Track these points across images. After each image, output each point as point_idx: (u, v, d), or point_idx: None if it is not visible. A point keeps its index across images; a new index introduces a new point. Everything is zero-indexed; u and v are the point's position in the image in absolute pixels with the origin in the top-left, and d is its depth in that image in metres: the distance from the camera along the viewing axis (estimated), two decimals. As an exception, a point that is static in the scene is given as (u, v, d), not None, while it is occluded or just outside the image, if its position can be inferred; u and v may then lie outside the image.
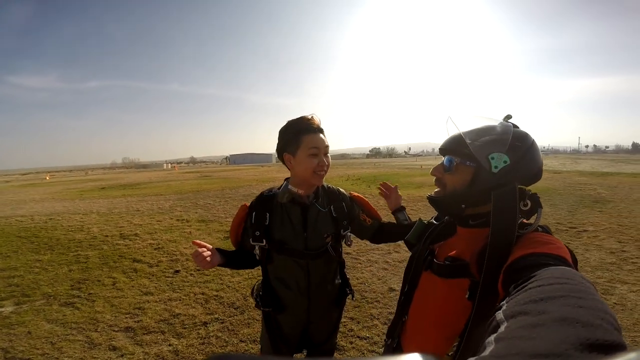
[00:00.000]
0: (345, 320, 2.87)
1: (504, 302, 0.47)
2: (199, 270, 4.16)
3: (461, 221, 0.89)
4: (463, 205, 0.85)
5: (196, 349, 2.59)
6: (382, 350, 1.34)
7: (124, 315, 3.14)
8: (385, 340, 1.09)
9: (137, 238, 5.95)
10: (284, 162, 1.32)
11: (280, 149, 1.31)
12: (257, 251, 1.35)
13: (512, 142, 0.79)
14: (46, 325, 3.00)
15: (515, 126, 0.84)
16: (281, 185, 1.40)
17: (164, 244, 5.49)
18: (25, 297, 3.62)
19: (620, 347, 0.31)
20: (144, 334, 2.82)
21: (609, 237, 5.16)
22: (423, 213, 7.01)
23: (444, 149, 0.90)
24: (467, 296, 0.77)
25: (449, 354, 0.79)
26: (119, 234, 6.30)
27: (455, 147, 0.86)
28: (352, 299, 1.58)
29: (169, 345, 2.65)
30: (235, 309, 3.21)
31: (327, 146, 1.28)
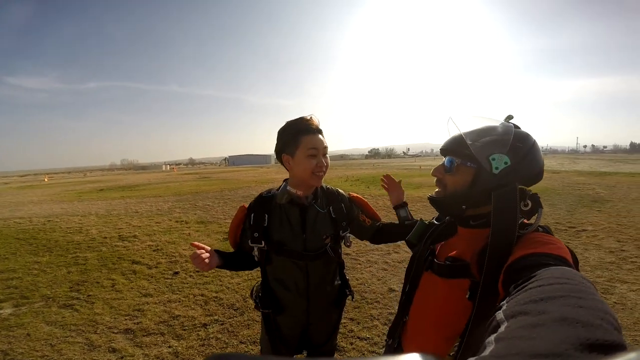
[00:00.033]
0: (345, 321, 2.87)
1: (504, 302, 0.47)
2: (198, 271, 4.15)
3: (462, 221, 0.90)
4: (464, 206, 0.85)
5: (196, 351, 2.59)
6: (382, 350, 1.34)
7: (124, 317, 3.13)
8: (386, 340, 1.09)
9: (136, 240, 5.94)
10: (282, 163, 1.31)
11: (279, 149, 1.30)
12: (255, 252, 1.35)
13: (513, 142, 0.78)
14: (45, 327, 2.99)
15: (516, 127, 0.84)
16: (280, 187, 1.39)
17: (163, 246, 5.48)
18: (24, 299, 3.61)
19: (621, 347, 0.31)
20: (143, 335, 2.81)
21: (608, 236, 5.17)
22: (422, 213, 7.01)
23: (445, 150, 0.90)
24: (467, 296, 0.77)
25: (450, 354, 0.79)
26: (118, 235, 6.28)
27: (456, 147, 0.86)
28: (352, 300, 1.58)
29: (169, 346, 2.64)
30: (234, 310, 3.20)
31: (325, 147, 1.27)
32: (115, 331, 2.90)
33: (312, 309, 1.38)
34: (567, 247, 0.69)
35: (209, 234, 6.27)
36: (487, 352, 0.35)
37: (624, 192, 9.63)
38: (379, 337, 2.69)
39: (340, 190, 1.47)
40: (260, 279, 1.43)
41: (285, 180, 1.39)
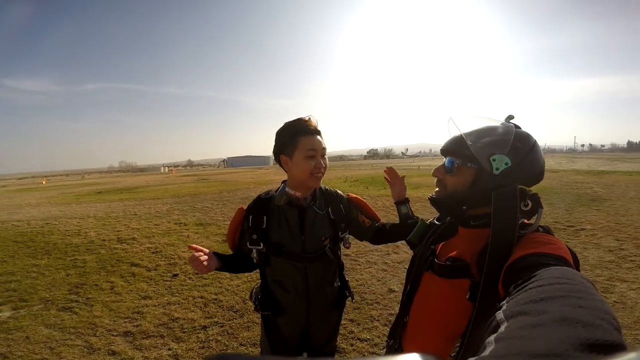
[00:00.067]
0: (345, 322, 2.87)
1: (504, 302, 0.47)
2: (197, 273, 4.14)
3: (462, 221, 0.90)
4: (464, 207, 0.85)
5: (196, 353, 2.58)
6: (383, 351, 1.33)
7: (123, 320, 3.12)
8: (387, 341, 1.09)
9: (135, 242, 5.92)
10: (280, 165, 1.31)
11: (277, 151, 1.30)
12: (254, 255, 1.34)
13: (513, 143, 0.78)
14: (44, 330, 2.99)
15: (517, 127, 0.84)
16: (278, 188, 1.39)
17: (162, 248, 5.47)
18: (23, 302, 3.60)
19: (621, 347, 0.31)
20: (143, 338, 2.80)
21: (606, 235, 5.18)
22: (421, 213, 7.01)
23: (445, 150, 0.90)
24: (467, 296, 0.77)
25: (451, 355, 0.79)
26: (117, 238, 6.26)
27: (456, 148, 0.86)
28: (352, 301, 1.58)
29: (169, 349, 2.64)
30: (234, 312, 3.20)
31: (324, 148, 1.27)
32: (115, 334, 2.89)
33: (311, 310, 1.37)
34: (568, 247, 0.69)
35: (208, 235, 6.26)
36: (487, 352, 0.35)
37: (622, 190, 9.66)
38: (379, 338, 2.68)
39: (338, 191, 1.47)
40: (260, 280, 1.43)
41: (284, 181, 1.39)
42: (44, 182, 35.21)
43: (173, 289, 3.80)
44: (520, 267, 0.60)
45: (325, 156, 1.30)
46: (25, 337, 2.88)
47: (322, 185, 1.40)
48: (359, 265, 4.31)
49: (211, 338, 2.77)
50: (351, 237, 1.46)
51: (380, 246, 4.68)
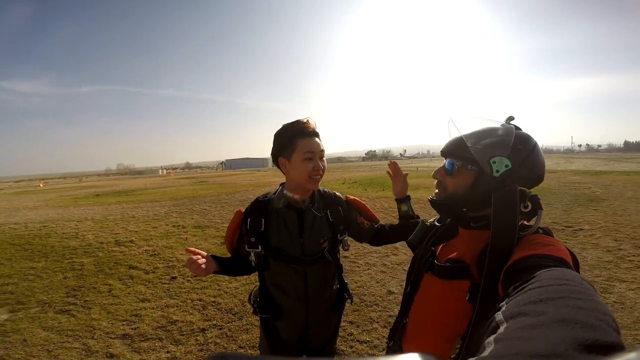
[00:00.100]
0: (344, 324, 2.86)
1: (504, 303, 0.47)
2: (195, 276, 4.13)
3: (463, 223, 0.90)
4: (464, 209, 0.85)
5: (195, 356, 2.57)
6: (383, 353, 1.33)
7: (121, 323, 3.11)
8: (387, 342, 1.09)
9: (133, 245, 5.90)
10: (279, 167, 1.31)
11: (275, 153, 1.30)
12: (252, 257, 1.34)
13: (514, 145, 0.78)
14: (42, 333, 2.97)
15: (517, 128, 0.84)
16: (276, 191, 1.39)
17: (160, 251, 5.46)
18: (20, 304, 3.58)
19: (619, 348, 0.31)
20: (141, 341, 2.79)
21: (604, 235, 5.20)
22: (419, 215, 7.02)
23: (446, 152, 0.90)
24: (467, 298, 0.77)
25: (452, 357, 0.78)
26: (114, 240, 6.24)
27: (456, 150, 0.86)
28: (351, 304, 1.57)
29: (167, 352, 2.63)
30: (233, 315, 3.19)
31: (322, 150, 1.27)
32: (113, 336, 2.88)
33: (311, 313, 1.37)
34: (567, 249, 0.69)
35: (207, 238, 6.25)
36: (486, 352, 0.35)
37: (620, 190, 9.69)
38: (378, 339, 2.68)
39: (337, 193, 1.47)
40: (258, 283, 1.42)
41: (282, 184, 1.38)
42: (41, 185, 35.08)
43: (171, 291, 3.79)
44: (519, 269, 0.61)
45: (324, 158, 1.30)
46: (23, 339, 2.86)
47: (321, 188, 1.40)
48: (358, 267, 4.31)
49: (210, 341, 2.76)
50: (350, 239, 1.46)
51: (379, 248, 4.68)
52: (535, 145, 0.81)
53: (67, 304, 3.56)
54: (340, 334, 1.89)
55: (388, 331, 1.09)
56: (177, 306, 3.41)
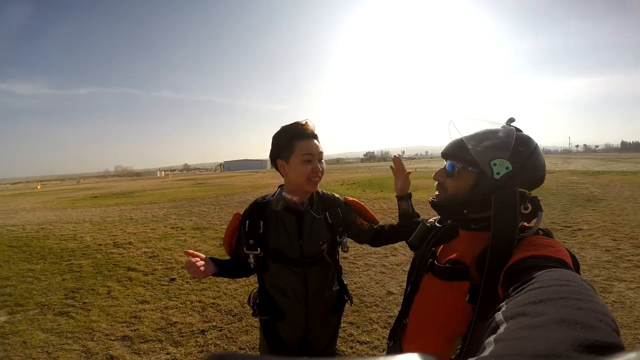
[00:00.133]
0: (344, 325, 2.86)
1: (503, 303, 0.48)
2: (194, 278, 4.12)
3: (463, 224, 0.90)
4: (465, 211, 0.85)
5: (195, 357, 2.57)
6: (383, 353, 1.33)
7: (120, 324, 3.10)
8: (387, 342, 1.09)
9: (131, 246, 5.89)
10: (277, 169, 1.31)
11: (274, 155, 1.29)
12: (251, 260, 1.33)
13: (515, 147, 0.78)
14: (41, 335, 2.96)
15: (518, 130, 0.84)
16: (275, 193, 1.38)
17: (159, 252, 5.44)
18: (19, 306, 3.57)
19: (619, 349, 0.31)
20: (141, 342, 2.79)
21: (603, 235, 5.22)
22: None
23: (446, 154, 0.90)
24: (467, 299, 0.78)
25: (452, 357, 0.79)
26: (113, 242, 6.23)
27: (457, 151, 0.86)
28: (351, 305, 1.57)
29: (167, 353, 2.62)
30: (232, 316, 3.18)
31: (321, 152, 1.27)
32: (113, 338, 2.87)
33: (310, 315, 1.37)
34: (568, 250, 0.69)
35: (205, 240, 6.24)
36: (486, 352, 0.35)
37: (617, 190, 9.73)
38: (378, 340, 2.68)
39: (336, 195, 1.47)
40: (258, 285, 1.42)
41: (281, 186, 1.38)
42: (38, 187, 34.97)
43: (170, 293, 3.79)
44: (519, 269, 0.61)
45: (322, 160, 1.30)
46: (22, 341, 2.85)
47: (320, 189, 1.40)
48: (358, 268, 4.30)
49: (210, 342, 2.76)
50: (349, 240, 1.45)
51: (378, 248, 4.68)
52: (536, 147, 0.81)
53: (66, 305, 3.55)
54: (340, 334, 1.89)
55: (388, 332, 1.09)
56: (177, 308, 3.40)
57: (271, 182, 20.56)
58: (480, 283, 0.73)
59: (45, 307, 3.54)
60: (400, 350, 1.01)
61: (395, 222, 1.47)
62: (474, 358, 0.33)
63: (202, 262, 1.20)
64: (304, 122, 1.26)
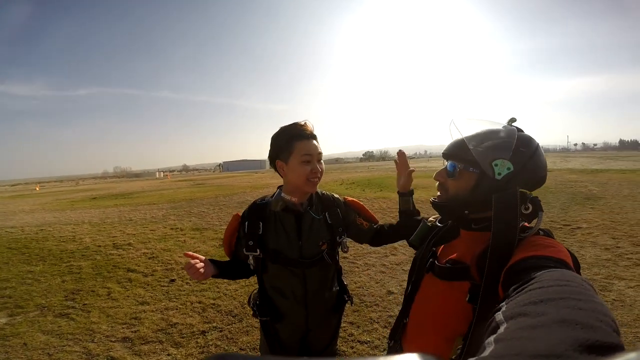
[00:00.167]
0: (345, 325, 2.87)
1: (503, 303, 0.48)
2: (194, 280, 4.12)
3: (464, 224, 0.90)
4: (466, 211, 0.85)
5: (195, 358, 2.57)
6: (384, 353, 1.33)
7: (121, 326, 3.10)
8: (387, 342, 1.09)
9: (131, 248, 5.88)
10: (276, 170, 1.30)
11: (273, 156, 1.29)
12: (251, 261, 1.33)
13: (516, 147, 0.78)
14: (42, 337, 2.96)
15: (519, 130, 0.83)
16: (274, 194, 1.38)
17: (158, 253, 5.44)
18: (19, 308, 3.57)
19: (619, 349, 0.32)
20: (141, 344, 2.79)
21: (602, 233, 5.23)
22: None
23: (447, 154, 0.90)
24: (467, 299, 0.78)
25: (453, 357, 0.79)
26: (112, 243, 6.22)
27: (458, 152, 0.86)
28: (351, 305, 1.57)
29: (168, 355, 2.62)
30: (233, 317, 3.18)
31: (320, 153, 1.27)
32: (113, 340, 2.87)
33: (310, 316, 1.37)
34: (568, 250, 0.69)
35: (205, 240, 6.23)
36: (486, 352, 0.35)
37: (616, 188, 9.75)
38: (379, 340, 2.69)
39: (335, 195, 1.47)
40: (258, 285, 1.43)
41: (280, 187, 1.38)
42: (37, 189, 34.89)
43: (170, 294, 3.78)
44: (520, 269, 0.61)
45: (322, 161, 1.29)
46: (23, 343, 2.85)
47: (319, 190, 1.39)
48: (357, 267, 4.30)
49: (210, 343, 2.76)
50: (349, 240, 1.46)
51: (378, 248, 4.68)
52: (537, 147, 0.81)
53: (66, 307, 3.55)
54: (340, 334, 1.89)
55: (388, 331, 1.09)
56: (177, 309, 3.40)
57: (270, 182, 20.53)
58: (480, 283, 0.73)
59: (46, 308, 3.54)
60: (400, 350, 1.01)
61: (394, 221, 1.47)
62: (474, 358, 0.33)
63: (202, 264, 1.20)
64: (302, 123, 1.26)
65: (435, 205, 0.92)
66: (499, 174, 0.77)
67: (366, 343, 2.66)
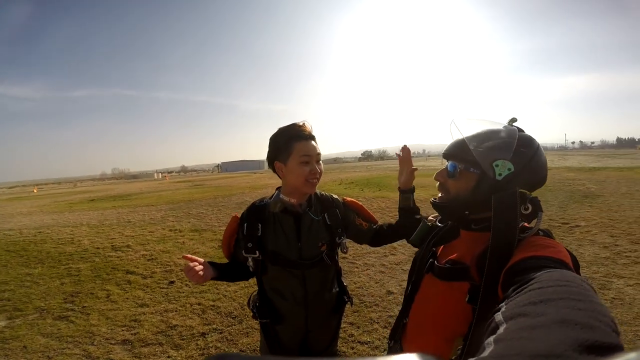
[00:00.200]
0: (345, 325, 2.86)
1: (503, 303, 0.48)
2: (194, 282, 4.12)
3: (464, 224, 0.90)
4: (467, 212, 0.85)
5: (195, 360, 2.57)
6: (384, 353, 1.33)
7: (120, 328, 3.10)
8: (388, 342, 1.09)
9: (130, 249, 5.87)
10: (275, 171, 1.30)
11: (271, 157, 1.28)
12: (250, 263, 1.32)
13: (517, 147, 0.78)
14: (41, 340, 2.95)
15: (520, 130, 0.83)
16: (273, 195, 1.37)
17: (157, 255, 5.43)
18: (18, 311, 3.56)
19: (618, 349, 0.32)
20: (141, 346, 2.78)
21: (601, 231, 5.24)
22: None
23: (448, 154, 0.89)
24: (467, 299, 0.78)
25: (453, 357, 0.79)
26: (111, 245, 6.20)
27: (458, 152, 0.86)
28: (351, 306, 1.57)
29: (168, 357, 2.62)
30: (233, 318, 3.18)
31: (319, 153, 1.26)
32: (113, 342, 2.86)
33: (310, 317, 1.36)
34: (568, 251, 0.69)
35: (204, 241, 6.22)
36: (486, 353, 0.35)
37: (614, 186, 9.78)
38: (379, 340, 2.69)
39: (334, 196, 1.46)
40: (257, 288, 1.42)
41: (278, 188, 1.37)
42: (35, 191, 34.79)
43: (170, 296, 3.78)
44: (519, 270, 0.61)
45: (320, 161, 1.29)
46: (23, 346, 2.85)
47: (318, 191, 1.39)
48: (357, 267, 4.30)
49: (210, 345, 2.76)
50: (349, 241, 1.45)
51: (377, 248, 4.68)
52: (538, 147, 0.81)
53: (65, 310, 3.54)
54: (340, 335, 1.89)
55: (388, 331, 1.09)
56: (177, 311, 3.39)
57: (269, 182, 20.51)
58: (480, 284, 0.73)
59: (45, 311, 3.53)
60: (400, 350, 1.01)
61: (393, 220, 1.46)
62: (474, 358, 0.33)
63: (201, 267, 1.20)
64: (301, 124, 1.25)
65: (436, 205, 0.92)
66: (500, 174, 0.77)
67: (366, 343, 2.66)
